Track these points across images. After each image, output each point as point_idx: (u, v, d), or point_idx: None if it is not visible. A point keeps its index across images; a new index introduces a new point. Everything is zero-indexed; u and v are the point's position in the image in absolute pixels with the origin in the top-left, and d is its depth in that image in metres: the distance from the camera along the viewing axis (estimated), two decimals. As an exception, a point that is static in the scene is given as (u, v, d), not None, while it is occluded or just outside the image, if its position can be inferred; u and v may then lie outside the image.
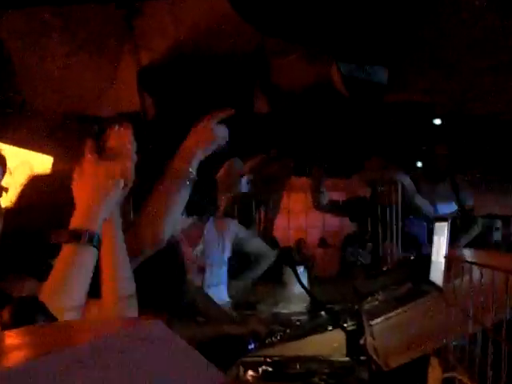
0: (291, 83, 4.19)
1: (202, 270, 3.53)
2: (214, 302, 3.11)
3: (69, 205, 1.63)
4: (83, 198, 1.63)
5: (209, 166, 2.81)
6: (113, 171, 1.64)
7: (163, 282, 2.43)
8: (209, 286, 3.50)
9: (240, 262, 3.86)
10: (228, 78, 4.01)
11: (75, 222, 1.59)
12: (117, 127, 1.69)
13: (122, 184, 1.65)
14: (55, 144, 4.08)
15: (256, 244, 3.98)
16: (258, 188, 5.20)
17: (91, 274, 1.57)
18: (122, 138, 1.68)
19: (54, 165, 4.19)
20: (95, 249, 1.58)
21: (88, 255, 1.56)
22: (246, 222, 5.09)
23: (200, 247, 3.60)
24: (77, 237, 1.56)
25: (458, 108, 4.35)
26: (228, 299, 3.65)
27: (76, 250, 1.55)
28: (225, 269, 3.68)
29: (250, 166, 5.05)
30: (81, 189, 1.64)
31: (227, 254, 3.72)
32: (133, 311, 1.67)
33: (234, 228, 3.79)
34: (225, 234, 3.72)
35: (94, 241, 1.57)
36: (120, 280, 1.68)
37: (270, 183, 5.57)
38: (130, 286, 1.70)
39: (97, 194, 1.62)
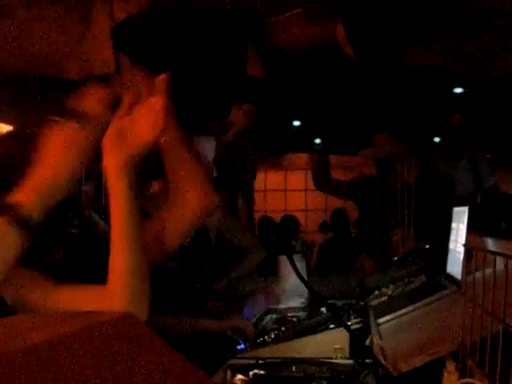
0: (290, 44, 4.17)
1: None
2: None
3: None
4: (40, 169, 1.62)
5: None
6: (82, 140, 1.64)
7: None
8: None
9: (223, 256, 3.86)
10: (216, 37, 3.99)
11: (14, 194, 1.57)
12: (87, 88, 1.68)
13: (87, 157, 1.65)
14: (15, 111, 4.06)
15: (242, 237, 3.98)
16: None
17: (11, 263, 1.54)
18: (93, 101, 1.68)
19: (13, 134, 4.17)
20: (24, 232, 1.54)
21: (12, 238, 1.53)
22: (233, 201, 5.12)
23: None
24: (5, 210, 1.51)
25: (485, 74, 4.34)
26: (212, 291, 3.67)
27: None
28: (207, 257, 3.70)
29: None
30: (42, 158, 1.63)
31: (211, 240, 3.73)
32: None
33: (216, 213, 3.80)
34: (208, 218, 3.73)
35: (25, 222, 1.53)
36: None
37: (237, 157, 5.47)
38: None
39: (59, 167, 1.61)
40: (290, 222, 7.41)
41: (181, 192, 1.93)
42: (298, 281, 2.40)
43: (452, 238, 2.91)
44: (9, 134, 2.16)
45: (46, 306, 1.63)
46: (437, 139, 6.32)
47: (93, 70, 4.01)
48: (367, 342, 2.53)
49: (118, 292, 1.62)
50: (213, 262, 3.77)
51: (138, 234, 1.67)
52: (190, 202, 1.92)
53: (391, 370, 1.91)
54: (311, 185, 6.96)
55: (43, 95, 4.07)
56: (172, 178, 1.95)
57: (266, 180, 8.78)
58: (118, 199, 1.65)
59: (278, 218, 7.22)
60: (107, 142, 1.66)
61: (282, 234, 2.63)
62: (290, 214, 7.77)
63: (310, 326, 2.93)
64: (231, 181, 5.21)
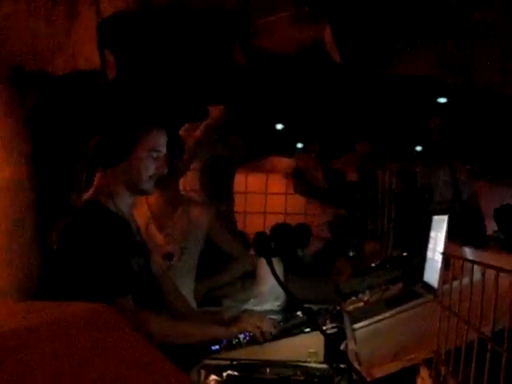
0: (276, 47, 4.17)
1: (168, 256, 3.54)
2: (182, 295, 3.10)
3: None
4: None
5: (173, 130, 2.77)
6: None
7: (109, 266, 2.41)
8: (175, 275, 3.51)
9: (206, 261, 3.84)
10: (203, 36, 3.98)
11: None
12: None
13: None
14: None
15: (229, 243, 3.95)
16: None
17: None
18: None
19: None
20: None
21: None
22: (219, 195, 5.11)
23: (169, 230, 3.61)
24: None
25: (468, 84, 4.36)
26: (192, 293, 3.66)
27: None
28: (196, 259, 3.69)
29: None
30: None
31: (201, 243, 3.72)
32: None
33: (207, 216, 3.78)
34: (200, 220, 3.73)
35: None
36: None
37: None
38: None
39: None
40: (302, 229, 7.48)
41: None
42: (275, 283, 2.40)
43: (430, 246, 2.92)
44: None
45: None
46: (418, 148, 6.36)
47: (77, 65, 3.99)
48: (342, 347, 2.53)
49: None
50: (200, 266, 3.75)
51: None
52: None
53: (365, 375, 1.91)
54: (291, 189, 6.97)
55: (28, 89, 4.05)
56: None
57: (247, 182, 8.79)
58: None
59: (257, 221, 7.23)
60: None
61: (261, 237, 2.63)
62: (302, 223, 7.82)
63: (285, 329, 2.92)
64: (217, 184, 5.21)
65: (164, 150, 2.61)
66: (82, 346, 0.65)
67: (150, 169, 2.55)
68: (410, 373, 1.76)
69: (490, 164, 6.63)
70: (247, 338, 2.81)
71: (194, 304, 3.59)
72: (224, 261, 3.93)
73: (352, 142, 6.04)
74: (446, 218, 2.64)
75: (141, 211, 3.54)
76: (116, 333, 0.72)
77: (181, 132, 4.77)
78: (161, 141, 2.60)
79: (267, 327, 2.70)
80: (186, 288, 3.57)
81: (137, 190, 2.63)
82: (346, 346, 2.49)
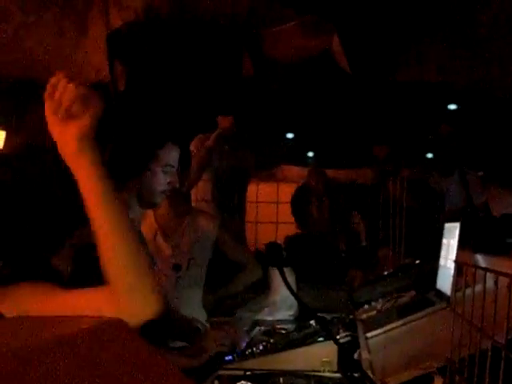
0: (285, 56, 4.18)
1: (176, 267, 3.54)
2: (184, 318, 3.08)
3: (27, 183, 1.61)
4: None
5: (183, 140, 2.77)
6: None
7: None
8: (183, 286, 3.51)
9: (216, 271, 3.83)
10: (211, 46, 3.99)
11: None
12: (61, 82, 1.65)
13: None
14: (9, 117, 4.05)
15: (238, 252, 3.94)
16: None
17: None
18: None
19: (7, 140, 4.17)
20: None
21: None
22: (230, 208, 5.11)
23: (176, 241, 3.62)
24: None
25: (478, 89, 4.35)
26: (201, 303, 3.66)
27: None
28: (204, 270, 3.69)
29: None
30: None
31: (208, 253, 3.72)
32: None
33: (214, 226, 3.78)
34: (207, 230, 3.73)
35: None
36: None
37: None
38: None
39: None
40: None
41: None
42: (288, 293, 2.40)
43: (443, 253, 2.91)
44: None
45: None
46: (429, 155, 6.34)
47: (87, 76, 4.01)
48: (355, 356, 2.52)
49: (118, 293, 1.39)
50: (210, 275, 3.75)
51: (123, 217, 1.54)
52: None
53: (379, 384, 1.91)
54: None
55: (38, 100, 4.06)
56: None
57: (258, 192, 8.79)
58: (87, 181, 1.53)
59: (269, 230, 7.22)
60: (54, 125, 1.59)
61: (273, 247, 2.63)
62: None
63: (298, 339, 2.92)
64: (228, 194, 5.22)
65: (176, 164, 2.62)
66: (98, 361, 0.66)
67: (162, 184, 2.56)
68: (424, 381, 1.76)
69: (499, 170, 6.62)
70: (260, 348, 2.82)
71: (204, 314, 3.59)
72: (235, 270, 3.92)
73: (361, 150, 6.03)
74: (457, 225, 2.63)
75: (148, 222, 3.56)
76: (132, 348, 0.73)
77: (193, 142, 4.78)
78: (175, 156, 2.61)
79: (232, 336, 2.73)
80: (195, 298, 3.58)
81: (148, 204, 2.64)
82: (360, 354, 2.48)
